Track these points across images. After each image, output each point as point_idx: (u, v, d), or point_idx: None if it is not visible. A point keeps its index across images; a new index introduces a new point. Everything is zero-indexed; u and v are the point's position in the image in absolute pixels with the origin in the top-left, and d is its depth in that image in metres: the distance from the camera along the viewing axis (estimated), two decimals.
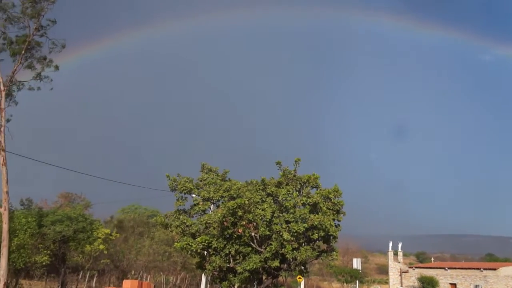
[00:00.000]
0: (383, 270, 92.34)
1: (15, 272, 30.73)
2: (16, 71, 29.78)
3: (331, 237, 25.60)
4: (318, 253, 26.31)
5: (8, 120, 29.57)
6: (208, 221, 25.48)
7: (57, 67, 31.16)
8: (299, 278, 39.40)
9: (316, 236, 24.84)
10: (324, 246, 26.81)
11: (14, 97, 30.79)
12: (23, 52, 29.36)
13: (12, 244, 28.72)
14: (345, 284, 68.70)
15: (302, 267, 27.73)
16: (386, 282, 68.02)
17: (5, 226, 27.78)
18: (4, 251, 27.44)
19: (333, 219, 25.36)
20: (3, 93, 29.08)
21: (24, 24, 29.29)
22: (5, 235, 27.66)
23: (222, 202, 26.37)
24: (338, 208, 25.56)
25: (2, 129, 28.82)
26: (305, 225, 24.55)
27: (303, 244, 25.25)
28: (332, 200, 25.55)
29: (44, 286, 34.97)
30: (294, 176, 26.85)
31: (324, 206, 25.11)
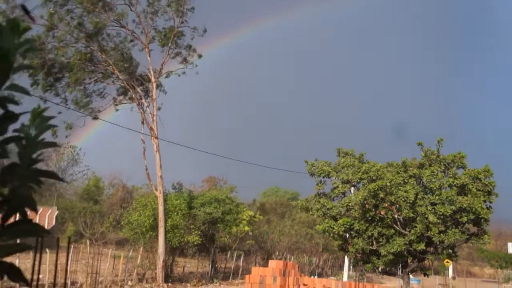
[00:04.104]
0: None
1: (171, 250, 33.38)
2: (165, 62, 32.21)
3: (482, 220, 24.08)
4: (467, 237, 24.92)
5: (159, 109, 32.18)
6: (349, 204, 25.41)
7: (200, 56, 33.15)
8: (447, 262, 37.68)
9: (465, 219, 23.53)
10: (474, 229, 25.35)
11: (163, 87, 33.47)
12: (170, 43, 31.60)
13: (167, 224, 31.23)
14: (499, 269, 64.08)
15: (450, 251, 26.47)
16: None
17: (160, 208, 30.46)
18: (161, 231, 30.13)
19: (484, 201, 23.83)
20: (154, 84, 31.57)
21: (169, 15, 31.50)
22: (161, 216, 30.33)
23: (362, 185, 26.10)
24: (489, 189, 23.92)
25: (154, 118, 31.40)
26: (453, 207, 23.38)
27: (451, 227, 24.08)
28: (483, 181, 23.97)
29: (197, 264, 37.56)
30: (438, 156, 25.64)
31: (473, 187, 23.67)
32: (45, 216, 46.42)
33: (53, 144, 1.81)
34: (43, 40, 28.49)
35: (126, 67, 31.43)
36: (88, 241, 29.85)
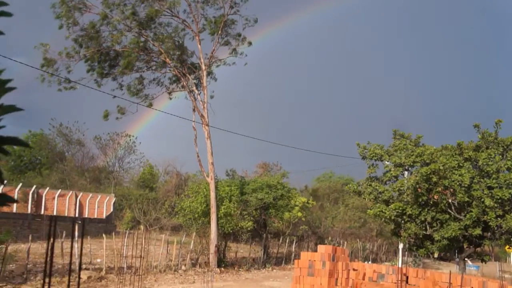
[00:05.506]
0: None
1: (224, 236, 33.76)
2: (215, 50, 32.42)
3: None
4: None
5: (211, 97, 32.47)
6: (401, 188, 24.89)
7: (250, 43, 33.15)
8: (509, 248, 36.24)
9: None
10: None
11: (213, 75, 33.75)
12: (219, 31, 31.74)
13: (219, 211, 31.60)
14: None
15: (510, 236, 25.47)
16: None
17: (212, 194, 30.85)
18: (213, 217, 30.53)
19: None
20: (205, 72, 31.84)
21: (219, 4, 31.64)
22: (213, 202, 30.72)
23: (415, 168, 25.47)
24: None
25: (205, 105, 31.70)
26: (511, 191, 22.44)
27: (509, 211, 23.14)
28: None
29: (249, 249, 37.86)
30: (495, 138, 24.58)
31: None
32: (104, 203, 48.13)
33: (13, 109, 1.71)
34: (98, 28, 29.32)
35: (178, 55, 31.85)
36: (143, 227, 30.69)
